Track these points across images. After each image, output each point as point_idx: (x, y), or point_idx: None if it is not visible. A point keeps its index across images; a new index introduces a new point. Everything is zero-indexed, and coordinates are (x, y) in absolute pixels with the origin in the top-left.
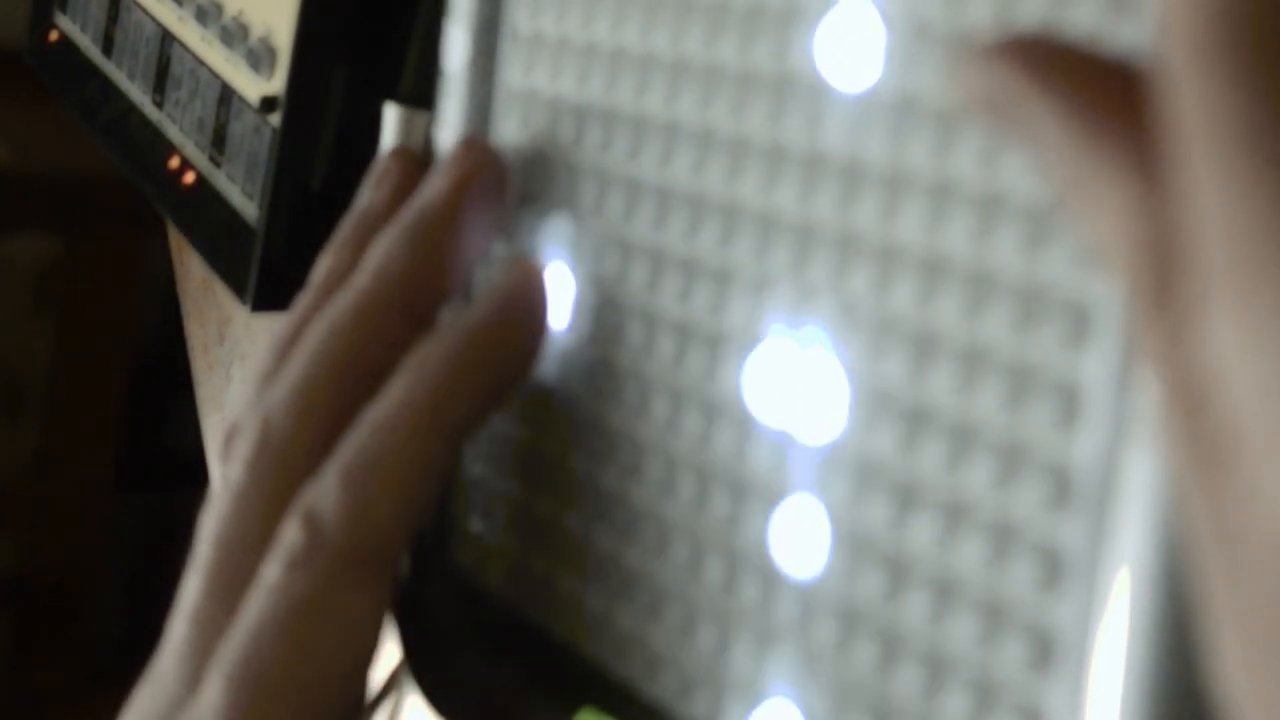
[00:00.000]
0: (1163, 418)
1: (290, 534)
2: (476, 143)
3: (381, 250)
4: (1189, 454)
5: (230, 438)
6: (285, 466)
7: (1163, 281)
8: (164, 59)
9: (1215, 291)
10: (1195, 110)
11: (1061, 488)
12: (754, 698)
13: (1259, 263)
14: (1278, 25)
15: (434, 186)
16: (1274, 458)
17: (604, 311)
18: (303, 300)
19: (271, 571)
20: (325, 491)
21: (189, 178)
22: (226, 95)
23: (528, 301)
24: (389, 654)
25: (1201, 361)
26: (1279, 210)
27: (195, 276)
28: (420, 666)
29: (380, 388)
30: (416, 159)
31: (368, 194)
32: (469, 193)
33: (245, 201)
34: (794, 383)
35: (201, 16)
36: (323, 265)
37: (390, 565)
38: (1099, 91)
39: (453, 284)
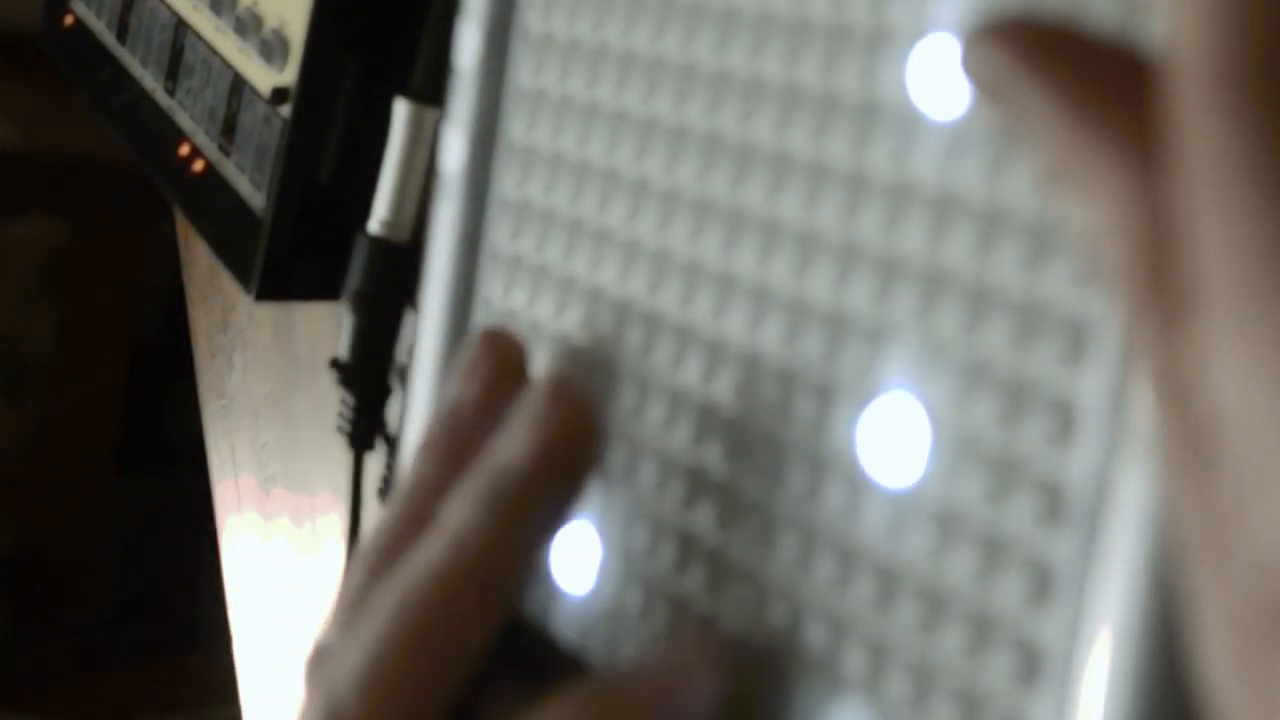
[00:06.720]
0: (1151, 410)
1: None
2: (571, 388)
3: (457, 513)
4: (1175, 450)
5: (316, 663)
6: None
7: (1154, 274)
8: (177, 47)
9: (1210, 300)
10: (1201, 135)
11: (1054, 503)
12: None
13: (1254, 284)
14: None
15: (516, 444)
16: (1262, 470)
17: (615, 312)
18: (393, 509)
19: None
20: None
21: (198, 166)
22: (238, 85)
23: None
24: None
25: (1188, 355)
26: (1275, 233)
27: (201, 264)
28: None
29: (455, 669)
30: (510, 344)
31: (457, 385)
32: (555, 460)
33: (253, 191)
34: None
35: (215, 6)
36: (415, 470)
37: None
38: (1094, 73)
39: (534, 559)
